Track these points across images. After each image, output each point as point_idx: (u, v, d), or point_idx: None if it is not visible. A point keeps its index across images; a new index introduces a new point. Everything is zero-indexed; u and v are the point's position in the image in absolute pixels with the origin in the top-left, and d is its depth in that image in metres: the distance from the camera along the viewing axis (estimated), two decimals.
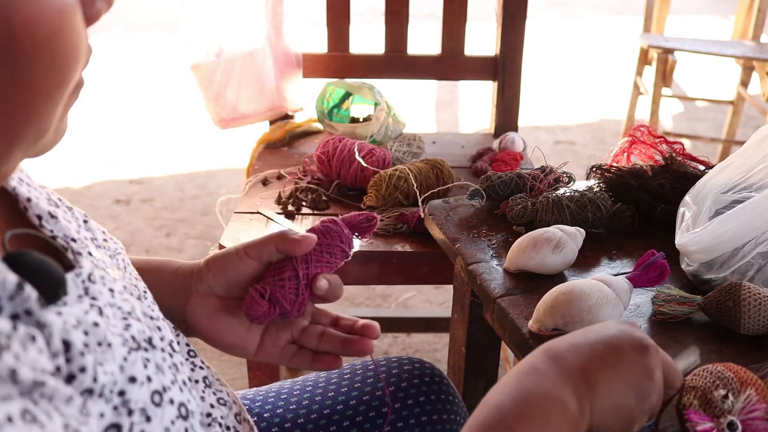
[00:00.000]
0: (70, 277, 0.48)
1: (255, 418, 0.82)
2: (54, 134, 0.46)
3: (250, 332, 0.69)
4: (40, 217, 0.53)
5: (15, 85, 0.40)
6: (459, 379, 1.12)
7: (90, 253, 0.54)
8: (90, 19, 0.44)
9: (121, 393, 0.46)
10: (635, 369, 0.55)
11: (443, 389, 0.87)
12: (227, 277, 0.68)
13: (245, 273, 0.67)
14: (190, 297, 0.68)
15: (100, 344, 0.45)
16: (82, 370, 0.43)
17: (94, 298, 0.49)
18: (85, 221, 0.59)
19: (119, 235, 2.50)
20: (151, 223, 2.60)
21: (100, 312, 0.48)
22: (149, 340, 0.52)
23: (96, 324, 0.46)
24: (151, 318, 0.56)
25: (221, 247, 1.20)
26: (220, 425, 0.61)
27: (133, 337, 0.49)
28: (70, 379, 0.43)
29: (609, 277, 0.81)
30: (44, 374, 0.38)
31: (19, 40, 0.39)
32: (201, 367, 0.65)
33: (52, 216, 0.53)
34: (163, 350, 0.53)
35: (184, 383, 0.54)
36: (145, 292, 0.60)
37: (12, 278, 0.38)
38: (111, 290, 0.51)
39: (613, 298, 0.78)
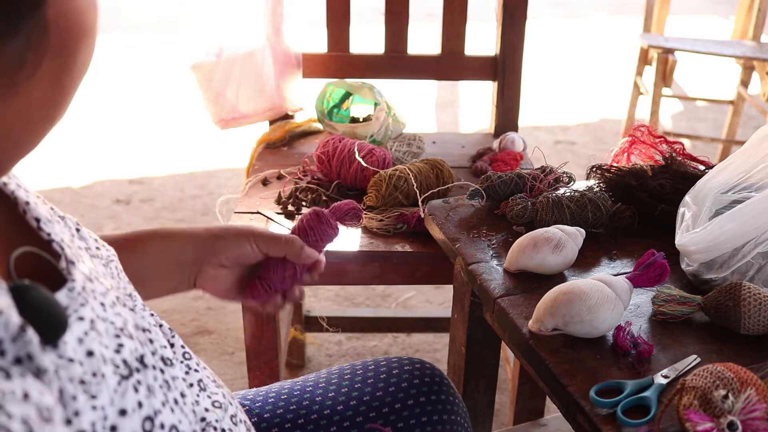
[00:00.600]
0: (64, 293, 0.48)
1: (255, 419, 0.82)
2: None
3: (235, 290, 0.83)
4: (38, 220, 0.53)
5: (62, 73, 0.43)
6: (459, 379, 1.12)
7: (83, 261, 0.54)
8: None
9: (113, 428, 0.46)
10: None
11: (444, 390, 0.87)
12: (238, 260, 0.80)
13: (252, 260, 0.80)
14: (203, 267, 0.79)
15: (94, 375, 0.46)
16: (76, 414, 0.44)
17: (91, 309, 0.49)
18: (78, 230, 0.60)
19: None
20: (151, 223, 2.60)
21: (95, 330, 0.48)
22: (141, 359, 0.52)
23: (91, 353, 0.46)
24: (143, 330, 0.56)
25: None
26: (215, 429, 0.61)
27: (124, 361, 0.50)
28: (67, 422, 0.43)
29: (609, 277, 0.81)
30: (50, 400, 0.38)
31: (74, 32, 0.42)
32: (196, 370, 0.65)
33: (49, 220, 0.54)
34: (154, 367, 0.54)
35: (176, 401, 0.54)
36: (135, 300, 0.60)
37: (15, 320, 0.38)
38: (102, 304, 0.52)
39: (613, 298, 0.77)
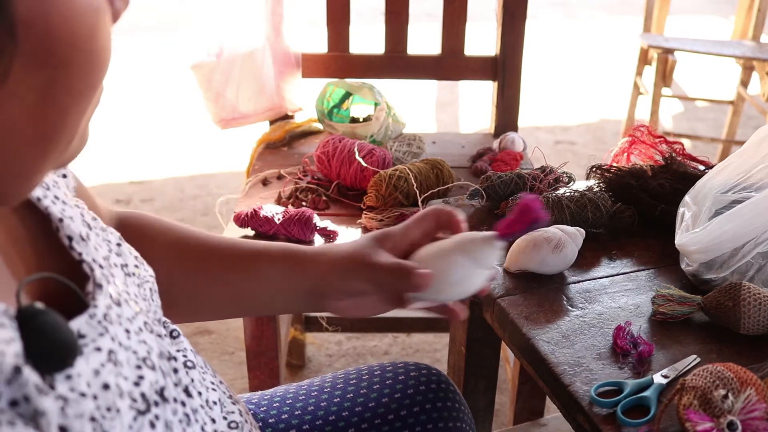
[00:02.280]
0: (84, 320, 0.46)
1: (260, 423, 0.82)
2: (79, 141, 0.45)
3: (378, 305, 0.72)
4: (70, 239, 0.51)
5: (53, 87, 0.38)
6: (459, 379, 1.12)
7: (114, 283, 0.52)
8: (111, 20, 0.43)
9: None
10: None
11: (449, 396, 0.86)
12: (352, 294, 0.70)
13: (371, 293, 0.70)
14: (325, 301, 0.70)
15: (109, 409, 0.44)
16: None
17: (112, 339, 0.47)
18: (119, 244, 0.57)
19: None
20: None
21: (114, 361, 0.46)
22: (161, 392, 0.50)
23: (107, 386, 0.44)
24: (169, 359, 0.54)
25: None
26: None
27: (143, 395, 0.48)
28: None
29: (467, 238, 0.69)
30: None
31: (58, 40, 0.37)
32: (213, 389, 0.62)
33: (83, 238, 0.52)
34: (175, 400, 0.52)
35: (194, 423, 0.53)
36: (164, 326, 0.58)
37: (9, 360, 0.36)
38: (127, 331, 0.49)
39: (467, 264, 0.67)
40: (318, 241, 1.19)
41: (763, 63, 2.65)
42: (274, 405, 0.84)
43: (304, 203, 1.33)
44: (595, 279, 0.92)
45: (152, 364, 0.50)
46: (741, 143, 2.34)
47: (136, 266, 0.58)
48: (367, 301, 0.71)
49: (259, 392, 0.88)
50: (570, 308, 0.85)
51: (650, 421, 0.67)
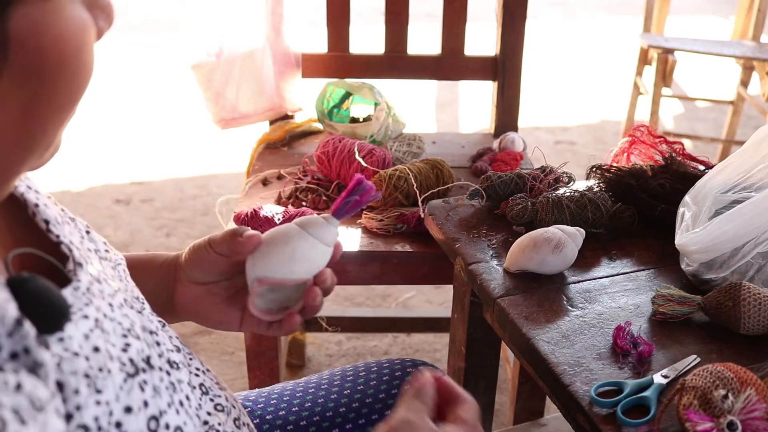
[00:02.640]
0: (69, 291, 0.48)
1: (257, 420, 0.82)
2: (53, 148, 0.47)
3: (231, 309, 0.70)
4: (47, 222, 0.53)
5: (38, 100, 0.41)
6: (459, 379, 1.12)
7: (92, 263, 0.54)
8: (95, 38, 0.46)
9: (118, 425, 0.46)
10: None
11: None
12: (203, 270, 0.70)
13: (217, 266, 0.69)
14: (176, 285, 0.71)
15: (101, 370, 0.46)
16: (78, 408, 0.44)
17: (96, 309, 0.49)
18: (88, 232, 0.60)
19: (119, 235, 2.50)
20: (151, 223, 2.60)
21: (101, 328, 0.48)
22: (147, 360, 0.52)
23: (97, 349, 0.46)
24: (151, 332, 0.56)
25: None
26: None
27: (131, 360, 0.49)
28: (67, 417, 0.43)
29: (303, 218, 0.69)
30: (47, 392, 0.38)
31: (47, 58, 0.40)
32: (196, 374, 0.64)
33: (59, 222, 0.54)
34: (161, 369, 0.54)
35: (181, 404, 0.54)
36: (143, 303, 0.60)
37: (12, 313, 0.38)
38: (110, 305, 0.52)
39: (295, 233, 0.67)
40: None
41: (763, 63, 2.65)
42: (272, 402, 0.85)
43: (304, 203, 1.33)
44: (595, 279, 0.92)
45: (137, 335, 0.52)
46: (741, 143, 2.34)
47: (107, 251, 0.60)
48: (212, 298, 0.70)
49: (257, 390, 0.88)
50: (570, 308, 0.85)
51: (650, 421, 0.67)
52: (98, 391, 0.45)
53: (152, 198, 2.78)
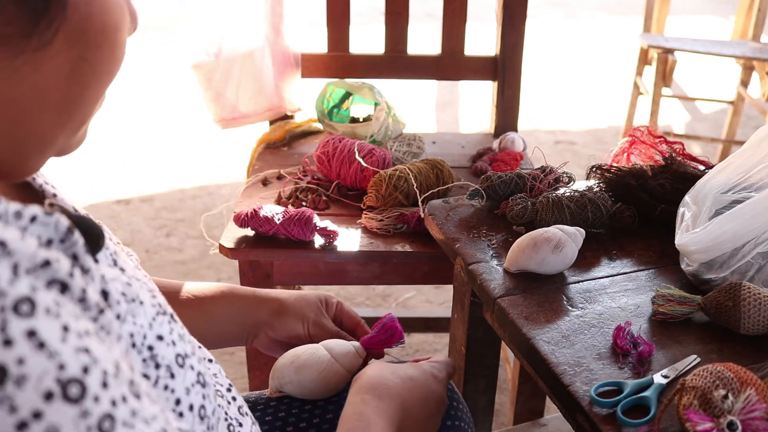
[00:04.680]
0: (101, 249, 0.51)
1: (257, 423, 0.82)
2: (82, 134, 0.52)
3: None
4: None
5: (82, 65, 0.45)
6: (459, 379, 1.12)
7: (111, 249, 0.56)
8: None
9: (150, 348, 0.49)
10: (434, 397, 0.72)
11: (448, 395, 0.87)
12: (290, 336, 0.85)
13: (303, 342, 0.85)
14: (259, 334, 0.85)
15: (133, 300, 0.49)
16: (118, 317, 0.47)
17: (122, 269, 0.52)
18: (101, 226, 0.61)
19: (119, 235, 2.50)
20: (151, 223, 2.60)
21: (128, 279, 0.51)
22: (171, 315, 0.55)
23: (129, 284, 0.50)
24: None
25: (221, 247, 1.20)
26: (226, 413, 0.62)
27: (160, 304, 0.53)
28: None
29: (337, 342, 0.83)
30: (103, 302, 0.42)
31: (95, 24, 0.45)
32: (210, 360, 0.67)
33: (76, 211, 0.56)
34: (182, 327, 0.56)
35: (201, 359, 0.56)
36: (156, 294, 0.61)
37: (64, 221, 0.41)
38: (135, 270, 0.55)
39: (326, 360, 0.80)
40: (318, 241, 1.19)
41: (763, 63, 2.65)
42: (271, 404, 0.85)
43: (304, 203, 1.33)
44: (595, 279, 0.92)
45: (160, 297, 0.56)
46: (741, 143, 2.34)
47: (118, 243, 0.62)
48: (274, 349, 0.87)
49: (256, 392, 0.88)
50: (570, 308, 0.85)
51: (650, 421, 0.67)
52: (133, 316, 0.48)
53: (152, 198, 2.78)
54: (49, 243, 0.40)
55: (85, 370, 0.34)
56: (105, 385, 0.35)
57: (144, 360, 0.48)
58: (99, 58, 0.46)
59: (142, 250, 2.42)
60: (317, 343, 0.82)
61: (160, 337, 0.50)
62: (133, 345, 0.48)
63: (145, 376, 0.48)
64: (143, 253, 2.40)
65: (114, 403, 0.35)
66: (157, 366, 0.49)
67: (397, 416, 0.65)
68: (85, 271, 0.43)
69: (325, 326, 0.85)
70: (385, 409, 0.64)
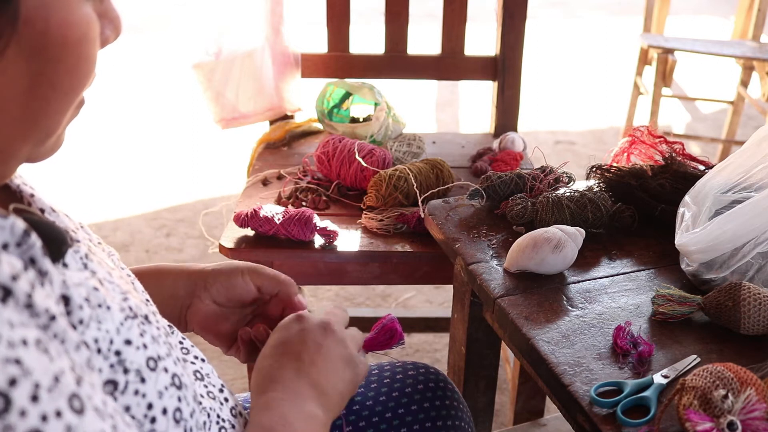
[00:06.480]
0: (70, 252, 0.50)
1: None
2: (55, 142, 0.50)
3: (228, 336, 0.78)
4: (42, 210, 0.54)
5: (41, 79, 0.44)
6: (459, 379, 1.12)
7: (89, 248, 0.55)
8: (101, 44, 0.49)
9: (118, 353, 0.48)
10: (334, 352, 0.66)
11: (448, 395, 0.86)
12: (229, 295, 0.77)
13: (246, 297, 0.77)
14: (194, 300, 0.77)
15: (99, 306, 0.48)
16: (81, 322, 0.46)
17: (93, 272, 0.51)
18: (81, 226, 0.61)
19: (119, 235, 2.50)
20: (151, 223, 2.60)
21: (100, 283, 0.50)
22: (146, 317, 0.53)
23: (96, 289, 0.48)
24: (146, 302, 0.58)
25: (221, 247, 1.20)
26: (209, 415, 0.61)
27: (130, 308, 0.51)
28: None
29: None
30: (57, 308, 0.40)
31: (53, 39, 0.43)
32: (192, 362, 0.65)
33: (54, 210, 0.55)
34: (158, 328, 0.55)
35: (178, 360, 0.55)
36: (137, 288, 0.61)
37: (20, 224, 0.40)
38: (109, 273, 0.54)
39: None
40: (318, 241, 1.19)
41: (763, 63, 2.65)
42: None
43: (304, 203, 1.33)
44: (595, 279, 0.92)
45: (134, 297, 0.54)
46: (741, 143, 2.34)
47: (99, 242, 0.62)
48: (221, 321, 0.77)
49: None
50: (570, 308, 0.85)
51: (650, 421, 0.67)
52: (98, 322, 0.47)
53: (152, 198, 2.78)
54: (5, 246, 0.39)
55: (12, 382, 0.33)
56: (35, 398, 0.34)
57: (111, 365, 0.48)
58: (60, 73, 0.45)
59: (142, 250, 2.42)
60: (259, 293, 0.77)
61: (128, 342, 0.49)
62: (99, 351, 0.47)
63: (113, 382, 0.47)
64: (143, 253, 2.40)
65: (44, 418, 0.34)
66: (126, 371, 0.48)
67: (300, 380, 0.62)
68: (42, 274, 0.42)
69: (262, 270, 0.77)
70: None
